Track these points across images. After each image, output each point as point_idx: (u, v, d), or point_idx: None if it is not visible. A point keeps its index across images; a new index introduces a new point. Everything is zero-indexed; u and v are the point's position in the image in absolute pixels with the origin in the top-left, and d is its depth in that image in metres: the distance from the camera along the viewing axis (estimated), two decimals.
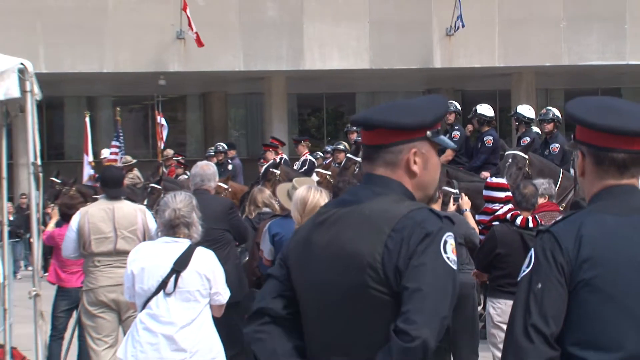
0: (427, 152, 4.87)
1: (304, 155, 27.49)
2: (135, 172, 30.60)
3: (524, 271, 4.49)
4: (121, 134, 37.10)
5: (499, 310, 13.46)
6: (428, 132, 4.83)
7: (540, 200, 13.65)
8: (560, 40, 45.47)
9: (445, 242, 4.56)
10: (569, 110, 4.61)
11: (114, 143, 36.37)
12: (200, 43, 43.94)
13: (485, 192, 14.05)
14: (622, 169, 4.55)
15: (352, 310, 4.62)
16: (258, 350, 4.81)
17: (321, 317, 4.73)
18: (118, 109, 39.78)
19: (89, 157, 35.15)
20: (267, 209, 14.04)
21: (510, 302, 6.79)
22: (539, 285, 4.28)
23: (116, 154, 32.71)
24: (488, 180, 14.66)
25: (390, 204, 4.71)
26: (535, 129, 24.61)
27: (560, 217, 5.08)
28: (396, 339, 4.40)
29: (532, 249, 4.54)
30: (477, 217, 14.41)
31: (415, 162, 4.82)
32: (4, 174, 14.85)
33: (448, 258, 4.55)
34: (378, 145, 4.91)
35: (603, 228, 4.47)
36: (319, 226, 4.89)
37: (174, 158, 31.60)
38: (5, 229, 13.47)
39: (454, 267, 4.58)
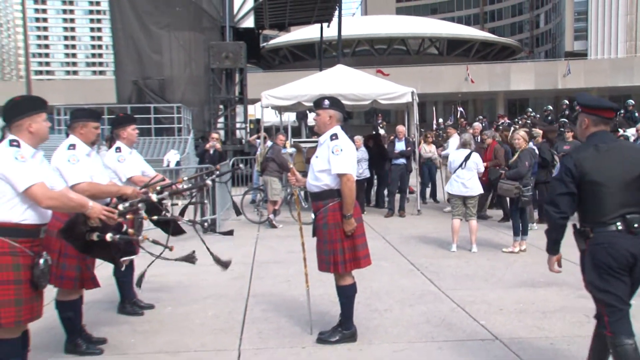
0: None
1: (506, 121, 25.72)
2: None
3: None
4: (452, 116, 33.30)
5: None
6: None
7: None
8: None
9: None
10: None
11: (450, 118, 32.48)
12: (472, 81, 42.41)
13: None
14: None
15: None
16: (562, 203, 3.45)
17: (618, 190, 3.37)
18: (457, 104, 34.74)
19: (438, 121, 29.24)
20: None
21: None
22: None
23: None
24: None
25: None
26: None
27: None
28: None
29: None
30: None
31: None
32: (407, 133, 13.07)
33: None
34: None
35: None
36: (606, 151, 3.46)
37: (463, 119, 30.05)
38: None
39: None
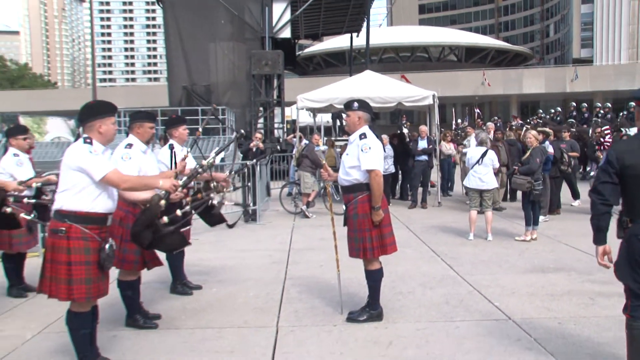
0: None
1: (519, 122, 25.23)
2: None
3: None
4: (467, 117, 32.84)
5: None
6: None
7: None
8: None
9: None
10: None
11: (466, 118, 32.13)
12: (489, 84, 41.54)
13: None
14: None
15: None
16: (605, 191, 3.09)
17: None
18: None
19: (457, 122, 29.43)
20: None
21: None
22: None
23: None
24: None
25: None
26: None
27: None
28: None
29: None
30: None
31: None
32: (428, 132, 12.93)
33: None
34: None
35: None
36: None
37: (480, 120, 29.47)
38: None
39: None
